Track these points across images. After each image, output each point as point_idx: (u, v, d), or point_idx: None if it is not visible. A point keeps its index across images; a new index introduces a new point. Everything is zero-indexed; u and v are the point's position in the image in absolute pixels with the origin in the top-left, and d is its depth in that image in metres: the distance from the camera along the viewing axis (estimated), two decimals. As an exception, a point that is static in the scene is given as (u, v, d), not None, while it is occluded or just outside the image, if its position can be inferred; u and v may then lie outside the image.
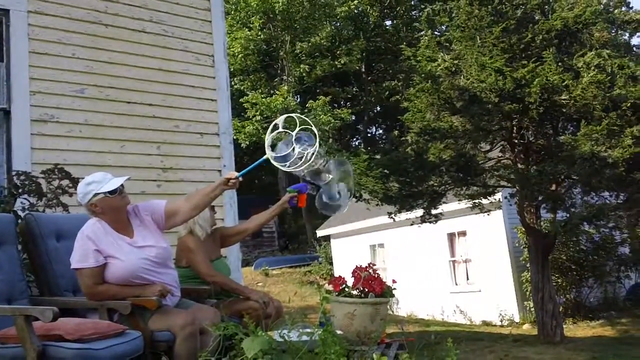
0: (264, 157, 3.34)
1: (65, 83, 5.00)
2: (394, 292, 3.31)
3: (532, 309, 12.58)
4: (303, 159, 3.30)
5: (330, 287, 3.29)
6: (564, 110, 9.25)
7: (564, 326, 11.77)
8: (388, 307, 3.37)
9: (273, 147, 3.39)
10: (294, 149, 3.29)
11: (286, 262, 20.95)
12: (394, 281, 3.43)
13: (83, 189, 3.30)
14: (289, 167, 3.29)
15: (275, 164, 3.34)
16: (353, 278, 3.27)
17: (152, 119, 5.36)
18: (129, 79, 5.30)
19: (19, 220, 3.62)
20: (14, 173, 4.24)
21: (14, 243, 3.39)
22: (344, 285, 3.27)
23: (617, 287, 15.18)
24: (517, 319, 14.24)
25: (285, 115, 3.44)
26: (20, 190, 4.10)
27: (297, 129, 3.34)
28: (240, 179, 3.37)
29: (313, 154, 3.27)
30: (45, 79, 4.89)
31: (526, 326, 13.58)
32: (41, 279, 3.49)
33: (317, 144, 3.29)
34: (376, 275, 3.26)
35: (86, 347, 2.64)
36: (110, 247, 3.22)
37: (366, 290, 3.21)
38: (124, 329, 2.96)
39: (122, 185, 3.30)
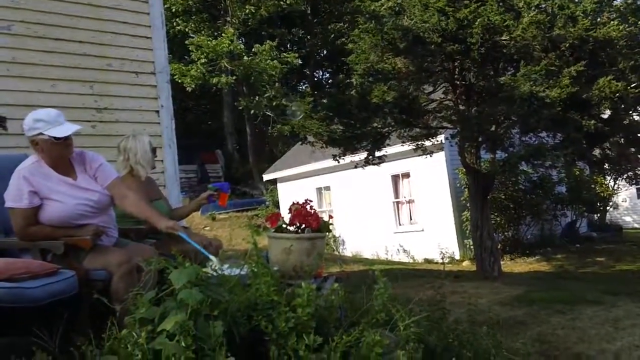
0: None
1: (-9, 19, 4.73)
2: (330, 227, 3.35)
3: (472, 247, 13.03)
4: None
5: (268, 225, 3.31)
6: (505, 51, 9.35)
7: (502, 262, 12.23)
8: (325, 242, 3.41)
9: None
10: None
11: (233, 206, 20.91)
12: (330, 217, 3.47)
13: (30, 124, 3.16)
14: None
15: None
16: (290, 214, 3.29)
17: (83, 57, 5.15)
18: (57, 15, 5.06)
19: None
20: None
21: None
22: (281, 222, 3.28)
23: (553, 225, 15.87)
24: (457, 256, 14.77)
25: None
26: (-57, 131, 3.92)
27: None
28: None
29: None
30: (-33, 14, 4.62)
31: (466, 263, 14.09)
32: (-31, 221, 3.37)
33: None
34: (312, 211, 3.28)
35: (17, 286, 2.60)
36: (48, 188, 3.14)
37: (303, 225, 3.24)
38: (57, 269, 2.91)
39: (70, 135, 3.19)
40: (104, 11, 5.32)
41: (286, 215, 3.39)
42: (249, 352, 1.76)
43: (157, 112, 5.48)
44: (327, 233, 3.36)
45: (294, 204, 3.32)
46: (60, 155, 3.22)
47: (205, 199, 4.07)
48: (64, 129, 3.17)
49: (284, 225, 3.29)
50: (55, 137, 3.13)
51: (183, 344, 1.69)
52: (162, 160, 5.36)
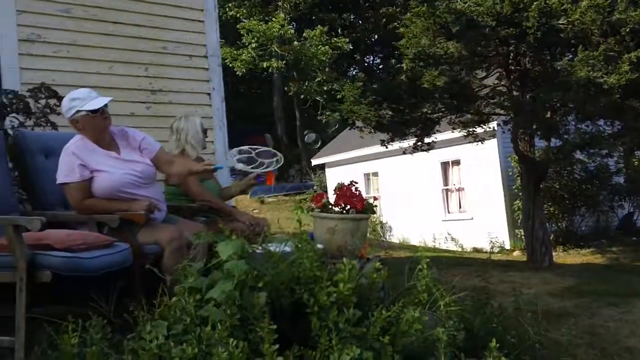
0: (231, 164, 3.51)
1: (52, 2, 4.92)
2: (375, 209, 3.38)
3: (523, 237, 12.81)
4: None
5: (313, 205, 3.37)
6: (562, 35, 9.09)
7: (554, 254, 11.98)
8: (368, 223, 3.45)
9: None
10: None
11: (281, 190, 21.14)
12: (375, 198, 3.50)
13: (67, 104, 3.34)
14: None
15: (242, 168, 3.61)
16: (335, 195, 3.34)
17: (139, 40, 5.30)
18: (114, -1, 5.22)
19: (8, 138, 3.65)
20: (2, 92, 4.25)
21: (3, 159, 3.44)
22: (326, 201, 3.34)
23: (609, 217, 15.40)
24: (507, 245, 14.54)
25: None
26: (8, 109, 4.11)
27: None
28: (214, 165, 3.61)
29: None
30: (31, -2, 4.82)
31: (516, 253, 13.87)
32: (32, 195, 3.56)
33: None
34: (357, 193, 3.32)
35: (75, 256, 2.73)
36: (95, 161, 3.28)
37: (347, 207, 3.28)
38: (112, 241, 3.04)
39: (105, 105, 3.33)
40: (159, -5, 5.46)
41: (332, 197, 3.45)
42: (291, 324, 1.83)
43: (209, 94, 5.61)
44: (372, 215, 3.40)
45: (339, 185, 3.37)
46: (100, 128, 3.36)
47: (254, 178, 4.16)
48: (98, 102, 3.32)
49: (328, 206, 3.34)
50: (91, 111, 3.28)
51: (228, 312, 1.77)
52: (212, 142, 5.48)
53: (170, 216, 3.58)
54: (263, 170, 4.05)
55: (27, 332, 2.57)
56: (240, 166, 3.64)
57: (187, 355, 1.62)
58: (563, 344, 3.79)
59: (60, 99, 4.11)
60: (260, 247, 2.21)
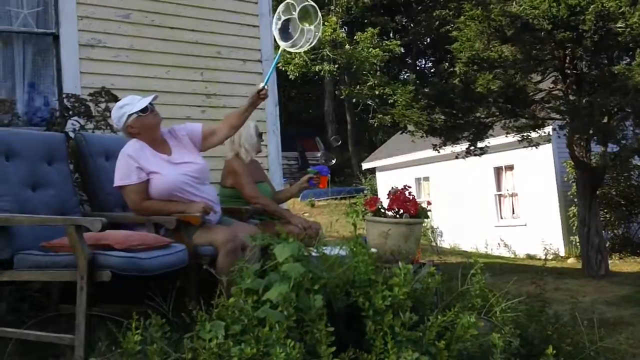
0: (280, 51, 3.46)
1: (112, 8, 5.07)
2: (428, 213, 3.36)
3: (578, 244, 12.49)
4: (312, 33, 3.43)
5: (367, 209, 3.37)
6: (620, 39, 8.85)
7: (610, 261, 11.67)
8: (423, 228, 3.43)
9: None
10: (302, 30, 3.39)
11: (332, 193, 21.17)
12: (429, 203, 3.48)
13: (117, 113, 3.46)
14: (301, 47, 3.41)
15: (292, 50, 3.47)
16: (389, 199, 3.33)
17: (195, 45, 5.41)
18: (172, 4, 5.34)
19: (69, 141, 3.78)
20: (64, 96, 4.40)
21: (65, 161, 3.55)
22: (379, 205, 3.33)
23: (668, 224, 14.86)
24: (562, 253, 14.20)
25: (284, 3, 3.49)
26: (70, 112, 4.26)
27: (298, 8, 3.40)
28: (267, 86, 3.50)
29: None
30: (91, 4, 4.97)
31: (571, 260, 13.53)
32: (92, 196, 3.66)
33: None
34: (411, 197, 3.31)
35: (134, 256, 2.80)
36: (151, 163, 3.37)
37: (401, 211, 3.27)
38: (169, 242, 3.11)
39: (151, 104, 3.42)
40: (214, 1, 5.56)
41: (385, 201, 3.44)
42: (345, 327, 1.84)
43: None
44: (425, 219, 3.37)
45: (392, 189, 3.36)
46: (153, 126, 3.45)
47: (306, 181, 4.19)
48: (145, 101, 3.42)
49: (382, 210, 3.34)
50: (141, 110, 3.37)
51: (285, 313, 1.79)
52: (265, 145, 5.53)
53: (224, 218, 3.63)
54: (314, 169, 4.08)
55: (86, 330, 2.64)
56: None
57: (245, 354, 1.64)
58: (620, 353, 3.67)
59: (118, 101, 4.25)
60: (315, 250, 2.22)
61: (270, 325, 1.73)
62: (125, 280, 2.84)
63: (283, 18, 3.41)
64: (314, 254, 2.34)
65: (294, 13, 3.40)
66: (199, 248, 3.27)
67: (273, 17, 5.71)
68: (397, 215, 3.27)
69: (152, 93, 3.57)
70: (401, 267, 2.00)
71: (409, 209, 3.22)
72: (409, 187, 3.42)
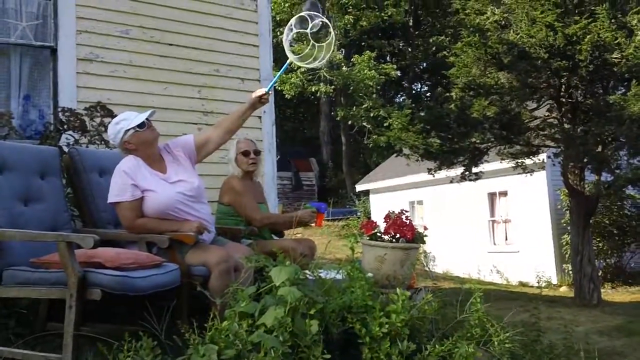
0: (287, 62, 3.44)
1: (111, 23, 5.06)
2: (424, 239, 3.33)
3: (571, 272, 12.47)
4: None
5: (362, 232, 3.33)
6: (615, 69, 8.93)
7: (602, 290, 11.64)
8: (418, 253, 3.39)
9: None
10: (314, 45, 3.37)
11: (325, 215, 21.10)
12: (425, 228, 3.45)
13: (113, 129, 3.42)
14: (312, 63, 3.39)
15: (299, 64, 3.45)
16: (385, 223, 3.30)
17: (193, 62, 5.40)
18: (172, 21, 5.34)
19: (63, 154, 3.74)
20: (59, 109, 4.37)
21: (58, 175, 3.51)
22: (376, 230, 3.30)
23: (660, 254, 14.89)
24: (554, 281, 14.16)
25: (297, 16, 3.48)
26: (65, 126, 4.23)
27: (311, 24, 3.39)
28: (270, 92, 3.47)
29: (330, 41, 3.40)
30: (91, 18, 4.97)
31: (563, 289, 13.49)
32: (84, 212, 3.61)
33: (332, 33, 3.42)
34: (408, 222, 3.27)
35: (125, 275, 2.74)
36: (146, 181, 3.32)
37: (397, 235, 3.23)
38: (162, 261, 3.06)
39: (148, 119, 3.39)
40: (215, 19, 5.56)
41: (381, 224, 3.41)
42: (341, 353, 1.79)
43: (260, 117, 5.65)
44: (422, 244, 3.34)
45: (390, 213, 3.32)
46: (150, 142, 3.41)
47: (307, 218, 4.08)
48: (142, 116, 3.38)
49: (378, 234, 3.30)
50: (138, 126, 3.34)
51: (281, 338, 1.74)
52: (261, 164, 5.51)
53: (218, 238, 3.59)
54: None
55: (74, 351, 2.58)
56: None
57: (239, 381, 1.59)
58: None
59: (114, 117, 4.21)
60: (310, 274, 2.18)
61: (265, 350, 1.68)
62: (115, 299, 2.79)
63: (295, 30, 3.40)
64: (309, 276, 2.30)
65: (306, 29, 3.40)
66: (192, 268, 3.22)
67: (271, 37, 5.77)
68: (394, 240, 3.23)
69: (149, 109, 3.53)
70: (399, 294, 1.96)
71: (406, 233, 3.19)
72: (406, 211, 3.39)
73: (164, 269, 3.01)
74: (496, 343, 2.08)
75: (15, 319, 3.21)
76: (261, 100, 3.54)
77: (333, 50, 3.42)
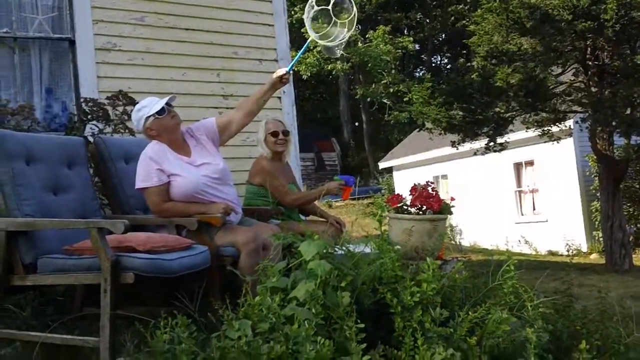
0: (308, 41, 3.39)
1: (126, 11, 5.08)
2: (452, 209, 3.30)
3: (601, 239, 12.34)
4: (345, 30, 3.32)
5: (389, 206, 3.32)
6: (642, 28, 8.72)
7: (634, 256, 11.51)
8: (446, 224, 3.37)
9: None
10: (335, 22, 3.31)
11: (352, 188, 21.07)
12: (452, 199, 3.42)
13: (135, 116, 3.46)
14: (334, 41, 3.33)
15: (321, 42, 3.37)
16: (411, 196, 3.28)
17: (210, 46, 5.40)
18: (187, 6, 5.34)
19: (89, 144, 3.78)
20: (82, 100, 4.41)
21: (85, 165, 3.55)
22: (402, 203, 3.28)
23: (692, 217, 14.63)
24: (584, 248, 14.02)
25: None
26: (88, 117, 4.27)
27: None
28: (291, 72, 3.44)
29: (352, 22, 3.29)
30: (106, 7, 4.99)
31: (594, 256, 13.37)
32: (113, 199, 3.66)
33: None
34: (434, 193, 3.25)
35: (157, 258, 2.78)
36: (172, 166, 3.35)
37: (424, 207, 3.22)
38: (191, 243, 3.09)
39: (169, 104, 3.40)
40: (230, 0, 5.54)
41: (407, 198, 3.39)
42: (374, 324, 1.80)
43: (279, 98, 5.64)
44: (449, 215, 3.32)
45: (416, 185, 3.31)
46: (171, 128, 3.42)
47: (334, 190, 4.10)
48: (161, 102, 3.39)
49: (405, 207, 3.29)
50: (157, 112, 3.35)
51: (313, 311, 1.75)
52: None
53: (245, 218, 3.61)
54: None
55: (111, 332, 2.63)
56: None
57: (275, 352, 1.61)
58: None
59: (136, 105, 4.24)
60: (340, 248, 2.18)
61: (299, 322, 1.69)
62: (147, 283, 2.83)
63: (316, 8, 3.35)
64: (338, 251, 2.31)
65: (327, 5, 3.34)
66: (221, 249, 3.25)
67: (286, 16, 5.72)
68: (420, 212, 3.22)
69: (169, 95, 3.55)
70: (430, 263, 1.95)
71: (433, 205, 3.17)
72: (432, 182, 3.37)
73: (194, 251, 3.04)
74: (530, 308, 2.07)
75: (53, 306, 3.27)
76: (282, 81, 3.52)
77: (355, 27, 3.36)
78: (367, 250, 2.30)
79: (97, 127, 4.25)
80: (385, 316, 1.92)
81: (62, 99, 5.02)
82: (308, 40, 3.48)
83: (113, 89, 4.60)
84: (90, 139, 3.95)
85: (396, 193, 3.35)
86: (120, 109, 4.26)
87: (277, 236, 2.45)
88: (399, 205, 3.25)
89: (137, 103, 3.59)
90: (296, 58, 3.68)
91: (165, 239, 3.01)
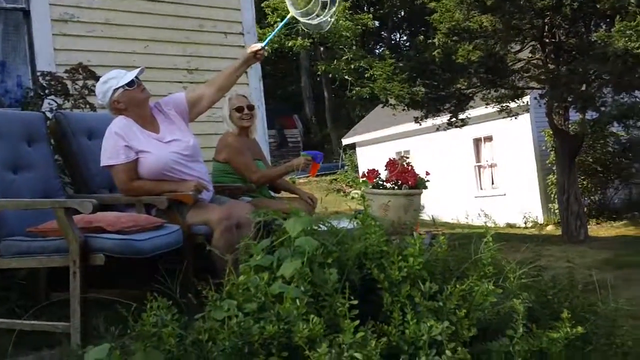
0: (288, 16, 3.30)
1: (84, -20, 4.86)
2: (426, 184, 3.30)
3: (557, 211, 12.70)
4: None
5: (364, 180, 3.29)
6: (598, 6, 8.87)
7: (588, 227, 11.88)
8: (421, 198, 3.37)
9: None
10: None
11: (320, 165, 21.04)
12: (427, 173, 3.41)
13: (101, 88, 3.30)
14: (315, 19, 3.24)
15: (301, 19, 3.28)
16: (387, 171, 3.26)
17: (175, 18, 5.22)
18: (149, -25, 5.15)
19: (48, 120, 3.61)
20: (39, 74, 4.21)
21: (46, 141, 3.38)
22: (378, 178, 3.26)
23: (642, 189, 15.19)
24: (541, 220, 14.41)
25: None
26: (46, 91, 4.08)
27: None
28: (267, 48, 3.34)
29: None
30: (62, -24, 4.76)
31: (550, 227, 13.76)
32: (76, 177, 3.51)
33: None
34: (409, 168, 3.24)
35: (127, 238, 2.68)
36: (140, 142, 3.22)
37: (399, 182, 3.20)
38: (162, 223, 2.99)
39: (138, 78, 3.27)
40: (195, -30, 5.37)
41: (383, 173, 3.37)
42: (362, 300, 1.76)
43: (246, 73, 5.50)
44: (424, 190, 3.31)
45: (391, 159, 3.28)
46: (140, 101, 3.29)
47: (302, 166, 4.04)
48: (131, 74, 3.27)
49: (380, 182, 3.27)
50: (127, 84, 3.23)
51: (302, 289, 1.71)
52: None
53: (217, 196, 3.52)
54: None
55: (82, 316, 2.54)
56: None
57: (267, 332, 1.56)
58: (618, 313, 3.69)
59: (97, 79, 4.06)
60: (323, 224, 2.14)
61: (288, 301, 1.65)
62: (118, 265, 2.73)
63: None
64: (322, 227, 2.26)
65: None
66: (193, 228, 3.16)
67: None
68: (396, 187, 3.20)
69: (132, 69, 3.40)
70: (416, 237, 1.93)
71: (408, 179, 3.16)
72: (407, 157, 3.35)
73: (166, 231, 2.95)
74: (512, 279, 2.08)
75: (17, 290, 3.14)
76: (256, 56, 3.42)
77: (339, 5, 3.25)
78: (349, 225, 2.27)
79: (56, 102, 4.06)
80: (372, 292, 1.90)
81: (17, 73, 4.79)
82: (287, 17, 3.37)
83: (71, 62, 4.38)
84: (49, 115, 3.77)
85: (372, 168, 3.32)
86: (81, 83, 4.07)
87: (257, 213, 2.39)
88: (375, 180, 3.23)
89: (99, 77, 3.44)
90: (272, 34, 3.61)
91: (135, 218, 2.91)
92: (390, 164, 3.26)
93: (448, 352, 1.62)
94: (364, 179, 3.21)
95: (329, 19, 3.26)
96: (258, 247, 1.90)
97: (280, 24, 3.55)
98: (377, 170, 3.30)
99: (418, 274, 1.87)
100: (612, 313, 3.69)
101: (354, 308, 1.71)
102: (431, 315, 1.73)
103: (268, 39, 3.51)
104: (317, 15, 3.22)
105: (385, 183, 3.25)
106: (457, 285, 1.84)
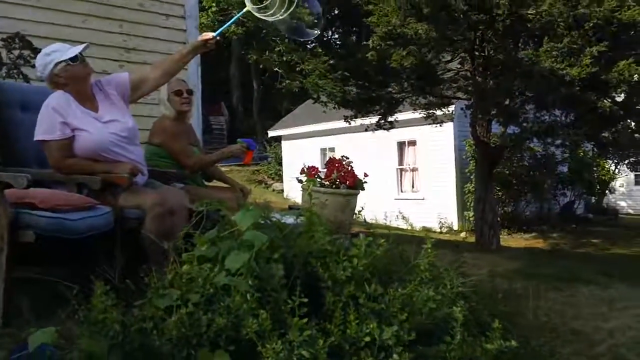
0: (244, 9, 3.26)
1: (20, -55, 4.64)
2: (364, 186, 3.37)
3: (471, 219, 13.19)
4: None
5: (302, 177, 3.32)
6: (529, 25, 9.27)
7: (500, 237, 12.40)
8: (357, 199, 3.44)
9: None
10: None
11: (235, 160, 20.87)
12: (365, 174, 3.48)
13: (43, 60, 3.16)
14: (272, 15, 3.23)
15: (258, 15, 3.25)
16: (326, 169, 3.30)
17: (115, -7, 5.08)
18: (91, -54, 4.97)
19: (-22, 88, 3.43)
20: (-30, 40, 3.99)
21: (-26, 110, 3.23)
22: (317, 176, 3.30)
23: (552, 204, 16.05)
24: (455, 227, 14.93)
25: None
26: (-23, 58, 3.87)
27: None
28: (218, 38, 3.30)
29: None
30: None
31: (463, 234, 14.28)
32: (5, 150, 3.34)
33: None
34: (349, 169, 3.30)
35: (59, 217, 2.60)
36: (77, 119, 3.11)
37: (338, 182, 3.25)
38: (95, 203, 2.92)
39: (81, 54, 3.17)
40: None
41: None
42: (305, 297, 1.79)
43: (186, 57, 5.42)
44: (362, 191, 3.38)
45: (331, 159, 3.33)
46: (82, 79, 3.20)
47: (237, 153, 4.01)
48: (76, 49, 3.17)
49: (319, 179, 3.31)
50: (71, 59, 3.13)
51: (250, 282, 1.72)
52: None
53: (151, 180, 3.45)
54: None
55: (6, 295, 2.44)
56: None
57: (217, 324, 1.56)
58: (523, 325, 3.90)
59: (34, 50, 3.90)
60: (268, 219, 2.15)
61: (237, 294, 1.65)
62: (47, 244, 2.64)
63: None
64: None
65: None
66: (125, 211, 3.09)
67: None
68: (334, 186, 3.25)
69: (67, 42, 3.29)
70: (362, 239, 1.98)
71: (347, 179, 3.21)
72: (347, 157, 3.41)
73: (98, 212, 2.87)
74: (448, 285, 2.16)
75: None
76: (206, 45, 3.37)
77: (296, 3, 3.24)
78: (292, 221, 2.29)
79: (-14, 70, 3.87)
80: (315, 290, 1.93)
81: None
82: (243, 10, 3.32)
83: (6, 30, 4.18)
84: (-23, 82, 3.59)
85: (311, 165, 3.35)
86: (16, 52, 3.89)
87: (201, 203, 2.37)
88: (313, 178, 3.26)
89: (37, 48, 3.29)
90: (226, 25, 3.54)
91: (68, 197, 2.82)
92: (330, 163, 3.30)
93: (395, 356, 1.67)
94: (303, 175, 3.23)
95: (286, 18, 3.24)
96: (203, 238, 1.89)
97: (234, 18, 3.51)
98: (317, 168, 3.34)
99: (362, 275, 1.92)
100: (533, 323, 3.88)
101: (303, 306, 1.73)
102: (374, 317, 1.78)
103: (220, 29, 3.46)
104: (273, 14, 3.20)
105: (324, 181, 3.29)
106: (400, 289, 1.90)
